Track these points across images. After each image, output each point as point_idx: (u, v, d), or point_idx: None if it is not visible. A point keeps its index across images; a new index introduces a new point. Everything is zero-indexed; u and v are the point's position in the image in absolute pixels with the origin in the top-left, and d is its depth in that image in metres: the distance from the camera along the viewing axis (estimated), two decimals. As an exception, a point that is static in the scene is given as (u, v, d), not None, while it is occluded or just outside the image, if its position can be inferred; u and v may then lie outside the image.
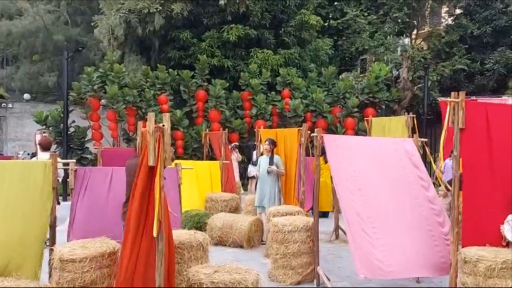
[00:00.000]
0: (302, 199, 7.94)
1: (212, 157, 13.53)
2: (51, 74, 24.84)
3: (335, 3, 21.09)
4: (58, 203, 5.40)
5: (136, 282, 3.88)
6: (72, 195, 5.81)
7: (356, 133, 15.65)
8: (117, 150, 13.63)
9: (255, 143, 10.59)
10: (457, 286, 4.39)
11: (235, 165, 12.89)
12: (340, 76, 19.25)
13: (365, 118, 13.32)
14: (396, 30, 20.09)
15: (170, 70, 16.48)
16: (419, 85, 17.48)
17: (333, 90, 16.85)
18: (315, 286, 5.88)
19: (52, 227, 4.85)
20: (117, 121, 15.42)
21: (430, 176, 5.69)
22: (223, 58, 17.15)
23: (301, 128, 8.48)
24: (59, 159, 5.19)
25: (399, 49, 19.97)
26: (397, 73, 18.96)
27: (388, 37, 19.72)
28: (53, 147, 14.80)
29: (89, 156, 15.23)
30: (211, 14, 17.18)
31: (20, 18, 24.61)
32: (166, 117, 3.79)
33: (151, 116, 3.71)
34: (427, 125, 15.69)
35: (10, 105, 21.63)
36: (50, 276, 4.56)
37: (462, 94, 4.52)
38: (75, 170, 5.74)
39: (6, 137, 21.50)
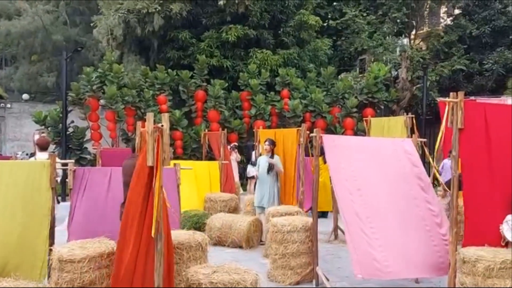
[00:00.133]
0: (301, 199, 7.94)
1: (211, 157, 13.52)
2: (50, 74, 24.82)
3: (334, 3, 21.10)
4: (58, 202, 5.40)
5: (136, 282, 3.87)
6: (71, 195, 5.80)
7: (355, 133, 15.65)
8: (116, 150, 13.61)
9: (254, 143, 10.59)
10: (456, 286, 4.40)
11: (234, 165, 12.89)
12: (339, 76, 19.26)
13: (364, 118, 13.34)
14: (395, 30, 20.11)
15: (169, 70, 16.48)
16: (418, 85, 17.50)
17: (332, 90, 16.86)
18: (314, 286, 5.88)
19: (51, 227, 4.85)
20: (115, 121, 15.41)
21: (429, 176, 5.69)
22: (222, 58, 17.15)
23: (300, 128, 8.48)
24: (57, 159, 5.19)
25: (398, 49, 19.98)
26: (396, 73, 18.98)
27: (387, 37, 19.74)
28: (52, 147, 14.82)
29: (88, 156, 15.22)
30: (210, 14, 17.17)
31: (19, 18, 24.59)
32: (165, 117, 3.79)
33: (150, 116, 3.71)
34: (426, 125, 15.71)
35: (8, 105, 21.62)
36: (49, 276, 4.56)
37: (461, 94, 4.52)
38: (74, 170, 5.74)
39: (4, 137, 21.48)
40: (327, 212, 10.26)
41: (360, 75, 19.71)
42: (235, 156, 13.40)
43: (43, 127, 15.65)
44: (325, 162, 7.57)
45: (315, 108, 16.33)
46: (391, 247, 5.06)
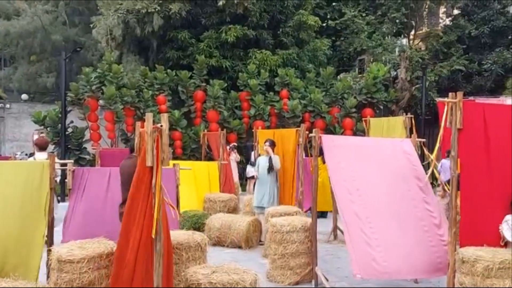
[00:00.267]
0: (300, 199, 7.94)
1: (210, 158, 13.52)
2: (49, 75, 24.78)
3: (333, 3, 21.11)
4: (58, 202, 5.39)
5: (135, 283, 3.87)
6: (70, 195, 5.80)
7: (354, 134, 15.66)
8: (115, 150, 13.62)
9: (254, 143, 10.59)
10: (455, 286, 4.40)
11: (234, 165, 12.89)
12: (338, 77, 19.28)
13: (363, 119, 13.35)
14: (394, 31, 20.12)
15: (168, 70, 16.48)
16: (417, 86, 17.51)
17: (331, 91, 16.86)
18: (313, 286, 5.88)
19: (50, 227, 4.84)
20: (114, 122, 15.40)
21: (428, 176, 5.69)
22: (222, 59, 17.15)
23: (299, 128, 8.49)
24: (57, 160, 5.18)
25: (397, 49, 19.99)
26: (395, 73, 19.00)
27: (386, 38, 19.75)
28: (51, 147, 14.82)
29: (87, 157, 15.22)
30: (209, 15, 17.17)
31: (18, 18, 24.55)
32: (164, 117, 3.79)
33: (149, 116, 3.71)
34: (425, 126, 15.73)
35: (8, 106, 21.61)
36: (48, 276, 4.55)
37: (460, 94, 4.52)
38: (73, 171, 5.73)
39: (4, 137, 21.47)
40: (326, 212, 10.26)
41: (359, 75, 19.73)
42: (234, 156, 13.40)
43: (42, 127, 15.64)
44: (324, 162, 7.58)
45: (314, 108, 16.34)
46: (390, 247, 5.07)
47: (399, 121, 11.19)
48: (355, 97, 16.46)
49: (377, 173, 5.56)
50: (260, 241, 8.11)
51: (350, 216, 5.14)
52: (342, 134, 15.50)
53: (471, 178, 4.63)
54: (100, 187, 5.83)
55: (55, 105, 16.44)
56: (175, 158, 14.31)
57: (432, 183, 6.88)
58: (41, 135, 13.72)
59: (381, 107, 17.40)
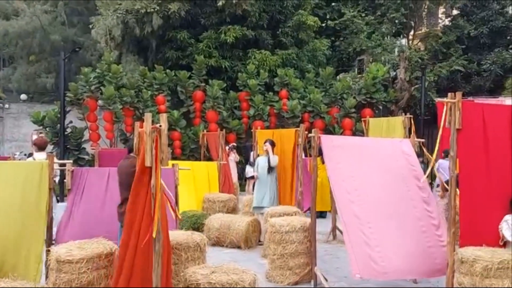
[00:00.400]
0: (299, 199, 7.94)
1: (209, 158, 13.51)
2: (48, 75, 24.76)
3: (333, 3, 21.13)
4: (57, 202, 5.38)
5: (134, 283, 3.87)
6: (68, 196, 5.79)
7: (354, 134, 15.67)
8: (114, 150, 13.61)
9: (253, 143, 10.59)
10: (454, 286, 4.40)
11: (233, 165, 12.88)
12: (337, 77, 19.28)
13: (362, 119, 13.35)
14: (394, 31, 20.14)
15: (168, 70, 16.48)
16: (416, 86, 17.52)
17: (331, 91, 16.87)
18: (312, 286, 5.88)
19: (49, 228, 4.84)
20: (113, 122, 15.40)
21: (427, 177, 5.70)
22: (221, 59, 17.15)
23: (298, 128, 8.49)
24: (55, 160, 5.18)
25: (396, 49, 20.00)
26: (394, 73, 18.99)
27: (386, 38, 19.77)
28: (50, 147, 14.80)
29: (86, 157, 15.21)
30: (208, 15, 17.17)
31: (17, 18, 24.53)
32: (163, 117, 3.78)
33: (148, 116, 3.70)
34: (424, 126, 15.72)
35: (7, 106, 21.60)
36: (46, 277, 4.55)
37: (458, 94, 4.52)
38: (72, 171, 5.73)
39: (2, 137, 21.46)
40: (326, 212, 10.26)
41: (359, 75, 19.73)
42: (233, 157, 13.39)
43: (41, 127, 15.63)
44: (323, 162, 7.58)
45: (314, 108, 16.34)
46: (389, 247, 5.07)
47: (398, 121, 11.18)
48: (354, 97, 16.46)
49: (376, 173, 5.56)
50: (259, 241, 8.11)
51: (349, 216, 5.14)
52: (341, 134, 15.50)
53: (470, 178, 4.64)
54: (99, 187, 5.83)
55: (54, 105, 16.43)
56: (174, 158, 14.31)
57: (430, 184, 6.89)
58: (40, 135, 13.70)
59: (380, 107, 17.41)
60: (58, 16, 25.51)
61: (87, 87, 15.23)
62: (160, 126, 3.70)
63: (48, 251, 4.56)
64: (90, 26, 18.31)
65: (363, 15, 19.81)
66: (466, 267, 4.19)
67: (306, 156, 9.07)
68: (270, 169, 8.05)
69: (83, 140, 15.45)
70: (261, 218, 7.91)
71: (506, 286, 4.06)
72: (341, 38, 20.36)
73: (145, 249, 3.84)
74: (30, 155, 10.43)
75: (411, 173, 5.66)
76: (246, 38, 16.96)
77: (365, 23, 19.62)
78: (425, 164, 8.64)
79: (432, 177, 10.48)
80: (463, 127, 4.49)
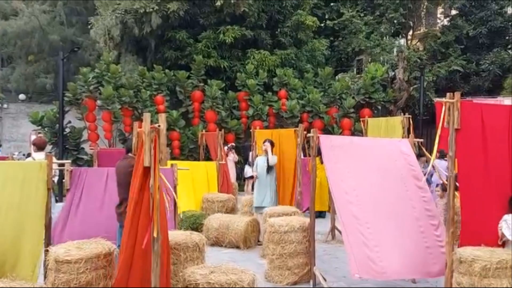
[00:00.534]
0: (298, 199, 7.94)
1: (208, 158, 13.51)
2: (47, 75, 24.75)
3: (331, 3, 21.13)
4: (56, 202, 5.37)
5: (133, 283, 3.86)
6: (67, 196, 5.78)
7: (353, 134, 15.66)
8: (113, 150, 13.60)
9: (252, 143, 10.60)
10: (453, 286, 4.40)
11: (232, 165, 12.88)
12: (336, 77, 19.27)
13: (361, 119, 13.35)
14: (392, 31, 20.15)
15: (167, 70, 16.46)
16: (415, 86, 17.53)
17: (330, 91, 16.87)
18: (311, 286, 5.88)
19: (48, 227, 4.83)
20: (112, 122, 15.39)
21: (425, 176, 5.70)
22: (220, 59, 17.14)
23: (297, 128, 8.49)
24: (54, 160, 5.18)
25: (395, 49, 20.02)
26: (393, 73, 18.99)
27: (384, 38, 19.78)
28: (49, 147, 14.78)
29: (84, 157, 15.19)
30: (207, 15, 17.16)
31: (16, 18, 24.51)
32: (162, 117, 3.78)
33: (147, 116, 3.71)
34: (423, 126, 15.74)
35: (5, 106, 21.59)
36: (45, 277, 4.54)
37: (457, 94, 4.53)
38: (71, 171, 5.72)
39: (1, 137, 21.44)
40: (325, 212, 10.27)
41: (357, 75, 19.72)
42: (232, 157, 13.39)
43: (39, 127, 15.61)
44: (322, 162, 7.59)
45: (313, 108, 16.34)
46: (388, 247, 5.07)
47: (397, 121, 11.18)
48: (353, 97, 16.47)
49: (375, 173, 5.56)
50: (258, 241, 8.12)
51: (347, 217, 5.14)
52: (340, 134, 15.50)
53: (469, 178, 4.64)
54: (98, 188, 5.83)
55: (53, 105, 16.41)
56: (173, 158, 14.30)
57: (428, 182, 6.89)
58: (39, 135, 13.69)
59: (379, 107, 17.41)
60: (56, 16, 25.50)
61: (86, 87, 15.22)
62: (159, 126, 3.71)
63: (46, 251, 4.55)
64: (89, 26, 18.28)
65: (362, 15, 19.81)
66: (465, 267, 4.19)
67: (305, 156, 9.07)
68: (269, 168, 8.05)
69: (81, 140, 15.44)
70: (261, 218, 7.91)
71: (504, 286, 4.06)
72: (340, 38, 20.36)
73: (145, 249, 3.84)
74: (29, 155, 10.44)
75: (410, 173, 5.66)
76: (245, 38, 16.95)
77: (364, 23, 19.62)
78: (429, 163, 8.63)
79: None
80: (461, 127, 4.50)
